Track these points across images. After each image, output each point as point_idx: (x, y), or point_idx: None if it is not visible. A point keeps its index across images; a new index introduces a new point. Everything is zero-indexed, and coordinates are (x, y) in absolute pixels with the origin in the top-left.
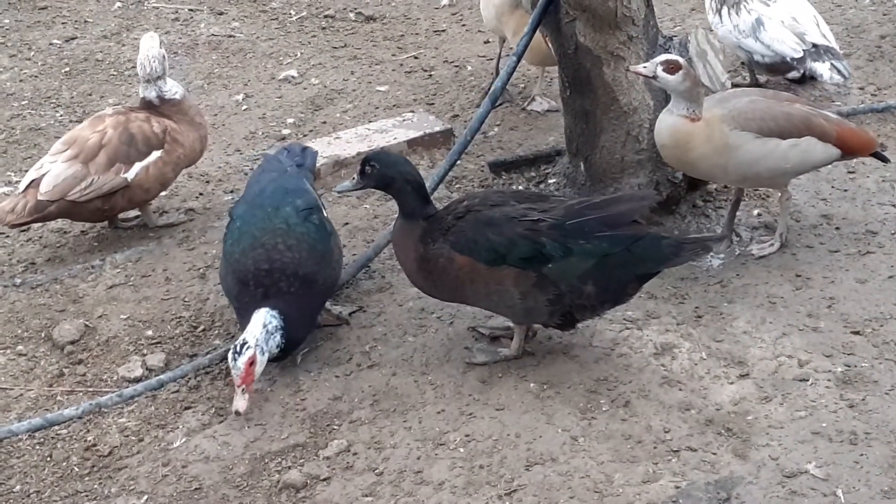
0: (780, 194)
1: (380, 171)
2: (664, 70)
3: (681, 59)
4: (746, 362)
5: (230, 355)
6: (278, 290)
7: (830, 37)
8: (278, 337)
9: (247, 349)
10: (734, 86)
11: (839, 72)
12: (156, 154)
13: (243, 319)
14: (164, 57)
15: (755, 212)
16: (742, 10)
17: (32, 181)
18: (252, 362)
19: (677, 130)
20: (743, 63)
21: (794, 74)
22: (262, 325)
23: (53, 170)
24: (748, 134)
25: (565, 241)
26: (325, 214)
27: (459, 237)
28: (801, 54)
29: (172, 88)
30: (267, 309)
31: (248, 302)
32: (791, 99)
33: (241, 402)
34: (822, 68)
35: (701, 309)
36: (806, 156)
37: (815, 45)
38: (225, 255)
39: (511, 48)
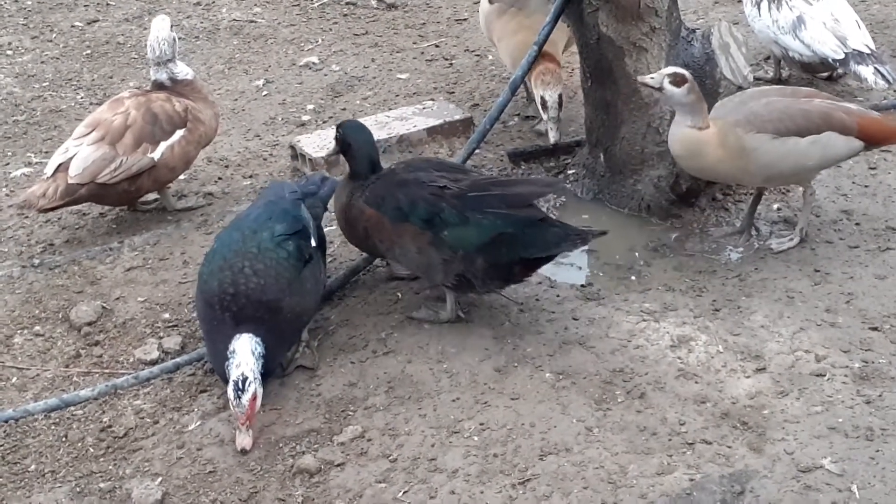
0: (803, 189)
1: (341, 137)
2: (671, 82)
3: (686, 73)
4: (763, 356)
5: (231, 393)
6: (246, 316)
7: (870, 42)
8: (260, 364)
9: (249, 385)
10: (756, 79)
11: (883, 76)
12: (179, 133)
13: (212, 343)
14: (174, 39)
15: (775, 206)
16: (783, 6)
17: (60, 165)
18: (254, 398)
19: (688, 141)
20: (768, 58)
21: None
22: (251, 352)
23: (81, 153)
24: (765, 135)
25: (463, 211)
26: (313, 243)
27: (372, 193)
28: (842, 56)
29: (183, 70)
30: (250, 335)
31: (216, 326)
32: (810, 94)
33: (246, 440)
34: (867, 72)
35: (718, 302)
36: (827, 151)
37: (855, 51)
38: (198, 276)
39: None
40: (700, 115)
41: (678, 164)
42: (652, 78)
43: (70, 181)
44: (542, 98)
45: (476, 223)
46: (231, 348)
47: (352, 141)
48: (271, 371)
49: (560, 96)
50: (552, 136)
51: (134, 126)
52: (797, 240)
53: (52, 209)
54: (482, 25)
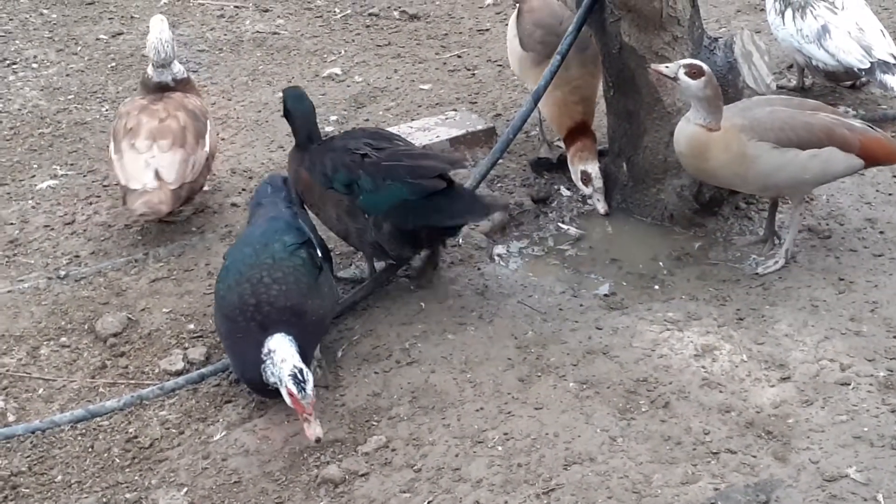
0: (792, 208)
1: (283, 104)
2: (686, 73)
3: (705, 66)
4: (788, 365)
5: (294, 386)
6: (273, 321)
7: (895, 51)
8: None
9: (308, 375)
10: (779, 88)
11: None
12: (209, 123)
13: (239, 356)
14: (173, 39)
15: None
16: (808, 15)
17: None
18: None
19: (695, 140)
20: (791, 66)
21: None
22: (289, 345)
23: (162, 161)
24: (766, 144)
25: (376, 178)
26: (318, 252)
27: (310, 159)
28: (867, 65)
29: (181, 68)
30: (282, 333)
31: (241, 338)
32: (816, 107)
33: (318, 429)
34: (893, 81)
35: (742, 311)
36: (826, 166)
37: (881, 60)
38: (214, 295)
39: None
40: (714, 115)
41: (679, 159)
42: (667, 67)
43: (172, 188)
44: (583, 172)
45: (385, 189)
46: (266, 349)
47: (291, 109)
48: None
49: (600, 168)
50: (601, 208)
51: (188, 125)
52: (782, 262)
53: (170, 213)
54: (513, 66)
